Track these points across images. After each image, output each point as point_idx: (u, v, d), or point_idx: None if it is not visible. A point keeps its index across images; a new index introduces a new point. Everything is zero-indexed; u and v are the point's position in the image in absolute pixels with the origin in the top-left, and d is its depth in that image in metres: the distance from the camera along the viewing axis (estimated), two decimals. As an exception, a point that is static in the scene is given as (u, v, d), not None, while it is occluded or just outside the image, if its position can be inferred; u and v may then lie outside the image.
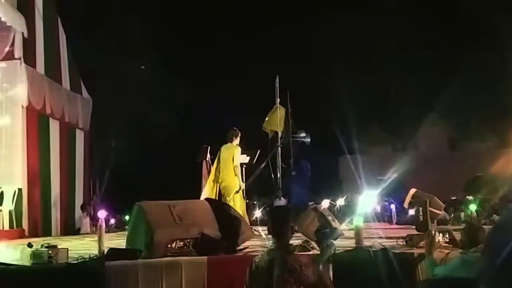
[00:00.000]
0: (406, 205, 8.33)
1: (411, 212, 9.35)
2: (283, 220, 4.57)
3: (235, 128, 11.00)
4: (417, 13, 21.02)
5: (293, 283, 4.20)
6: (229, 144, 10.78)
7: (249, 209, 14.79)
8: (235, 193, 10.71)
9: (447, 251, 5.72)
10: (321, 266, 4.58)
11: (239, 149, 10.75)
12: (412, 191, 8.02)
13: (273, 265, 4.30)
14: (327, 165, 22.17)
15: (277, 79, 21.05)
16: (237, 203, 10.38)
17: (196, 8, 21.30)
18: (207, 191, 10.70)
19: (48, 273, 5.86)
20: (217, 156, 10.95)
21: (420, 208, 7.07)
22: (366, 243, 6.46)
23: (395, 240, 7.06)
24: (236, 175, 10.69)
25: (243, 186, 10.92)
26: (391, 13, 20.85)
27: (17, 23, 12.13)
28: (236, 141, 10.83)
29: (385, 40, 20.82)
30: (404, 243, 6.73)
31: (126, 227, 15.13)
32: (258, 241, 7.74)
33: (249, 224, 9.04)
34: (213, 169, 11.01)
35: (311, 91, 21.62)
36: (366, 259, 5.75)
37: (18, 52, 12.53)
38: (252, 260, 4.60)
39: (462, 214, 15.28)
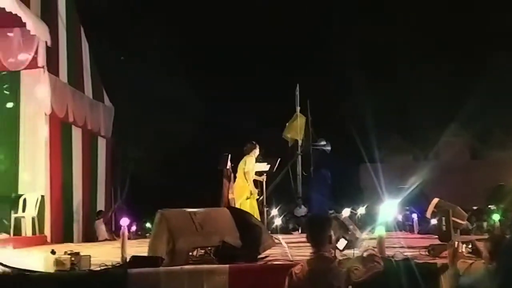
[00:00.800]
0: (428, 214, 8.26)
1: (433, 221, 9.26)
2: (322, 229, 4.58)
3: (253, 141, 11.13)
4: (438, 22, 20.92)
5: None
6: (247, 156, 11.01)
7: (269, 217, 14.76)
8: (245, 199, 10.76)
9: (470, 261, 5.67)
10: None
11: (251, 157, 10.88)
12: (435, 200, 7.96)
13: (315, 275, 4.30)
14: (347, 173, 22.09)
15: (298, 88, 21.09)
16: (247, 209, 10.41)
17: (217, 19, 21.40)
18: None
19: (71, 280, 5.91)
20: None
21: (443, 218, 7.02)
22: (388, 252, 6.42)
23: (418, 250, 7.01)
24: (246, 180, 10.82)
25: (255, 192, 10.98)
26: (412, 22, 20.78)
27: (40, 32, 12.27)
28: (254, 153, 10.97)
29: (407, 49, 20.74)
30: (427, 253, 6.68)
31: (147, 234, 15.23)
32: (279, 250, 7.73)
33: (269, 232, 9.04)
34: None
35: (332, 100, 21.60)
36: (388, 269, 5.71)
37: (42, 60, 12.67)
38: (291, 271, 4.61)
39: (485, 224, 15.11)
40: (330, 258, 4.48)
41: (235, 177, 11.37)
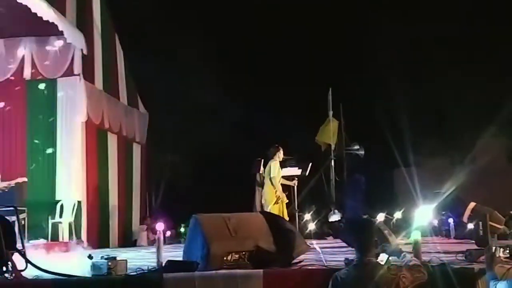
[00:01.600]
0: (465, 219, 8.17)
1: (470, 226, 9.14)
2: (369, 234, 4.58)
3: (276, 144, 11.15)
4: (475, 21, 20.60)
5: None
6: (271, 160, 11.02)
7: (302, 222, 14.75)
8: (274, 204, 10.77)
9: (508, 266, 5.58)
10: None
11: (275, 162, 10.90)
12: (472, 205, 7.86)
13: (363, 282, 4.30)
14: (382, 178, 21.89)
15: (330, 92, 21.00)
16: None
17: (251, 24, 21.46)
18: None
19: (107, 285, 6.00)
20: None
21: (480, 222, 6.93)
22: (424, 257, 6.35)
23: (454, 255, 6.92)
24: (273, 185, 10.85)
25: (283, 196, 10.98)
26: (450, 21, 20.50)
27: (76, 40, 12.51)
28: (278, 156, 10.98)
29: (443, 49, 20.48)
30: (464, 258, 6.59)
31: (182, 239, 15.37)
32: (313, 255, 7.71)
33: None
34: None
35: (365, 103, 21.44)
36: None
37: (78, 68, 12.90)
38: (336, 275, 4.60)
39: (523, 229, 14.79)
40: (378, 264, 4.47)
41: None
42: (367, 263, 4.46)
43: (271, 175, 10.90)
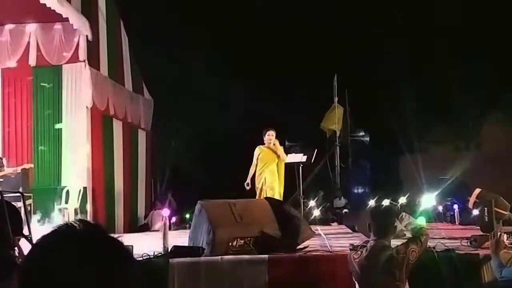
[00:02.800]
0: (470, 205, 8.16)
1: (475, 212, 9.13)
2: (389, 219, 4.69)
3: (268, 128, 10.95)
4: (483, 10, 20.45)
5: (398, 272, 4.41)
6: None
7: (306, 208, 14.77)
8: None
9: (513, 252, 5.58)
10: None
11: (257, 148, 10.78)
12: (477, 191, 7.85)
13: (373, 262, 4.44)
14: (387, 164, 21.87)
15: (335, 78, 20.95)
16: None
17: (255, 9, 21.38)
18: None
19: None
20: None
21: (485, 208, 6.93)
22: (430, 243, 6.37)
23: (459, 240, 6.95)
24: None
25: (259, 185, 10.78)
26: (454, 11, 20.37)
27: (81, 26, 12.48)
28: (265, 141, 10.79)
29: (450, 35, 20.36)
30: (469, 244, 6.61)
31: (187, 225, 15.42)
32: (318, 241, 7.74)
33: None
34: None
35: (370, 90, 21.37)
36: (430, 260, 5.67)
37: (83, 54, 12.88)
38: (350, 255, 4.71)
39: (529, 215, 14.77)
40: (388, 246, 4.57)
41: None
42: (379, 245, 4.54)
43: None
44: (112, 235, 1.48)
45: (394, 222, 4.77)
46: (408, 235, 7.02)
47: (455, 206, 12.96)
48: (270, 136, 10.75)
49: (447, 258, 5.80)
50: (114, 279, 1.35)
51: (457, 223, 12.31)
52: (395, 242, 4.78)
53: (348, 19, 21.61)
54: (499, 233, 5.34)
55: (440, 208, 13.96)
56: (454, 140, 22.75)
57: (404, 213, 7.40)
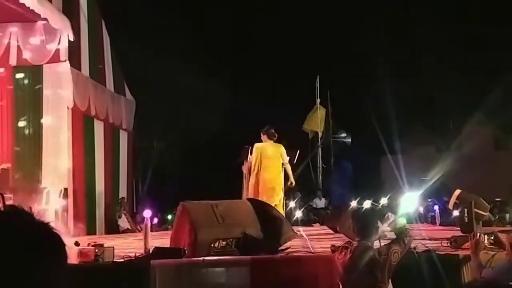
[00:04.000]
0: (451, 206, 8.23)
1: (456, 213, 9.22)
2: (370, 221, 4.70)
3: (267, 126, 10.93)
4: (463, 10, 20.66)
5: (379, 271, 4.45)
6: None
7: (287, 209, 14.80)
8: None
9: (492, 252, 5.65)
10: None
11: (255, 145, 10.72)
12: (457, 192, 7.92)
13: (356, 263, 4.45)
14: (368, 165, 22.01)
15: (317, 79, 21.03)
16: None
17: (239, 10, 21.38)
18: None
19: (95, 272, 6.00)
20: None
21: (465, 209, 6.99)
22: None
23: (439, 241, 7.00)
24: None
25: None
26: (435, 10, 20.54)
27: (62, 25, 12.38)
28: (263, 138, 10.75)
29: (430, 37, 20.53)
30: (449, 244, 6.66)
31: (169, 226, 15.37)
32: (300, 242, 7.76)
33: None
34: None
35: (352, 91, 21.51)
36: (411, 261, 5.71)
37: (64, 54, 12.76)
38: (334, 256, 4.72)
39: (507, 216, 14.97)
40: (371, 247, 4.58)
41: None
42: (362, 246, 4.56)
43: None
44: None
45: (376, 223, 4.79)
46: (390, 236, 7.08)
47: (436, 207, 13.06)
48: (265, 137, 10.74)
49: (427, 259, 5.84)
50: (34, 265, 1.34)
51: (437, 224, 12.40)
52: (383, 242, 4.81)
53: (330, 20, 21.71)
54: (478, 234, 5.39)
55: (421, 209, 14.05)
56: (435, 141, 22.95)
57: (390, 213, 7.44)
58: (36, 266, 1.36)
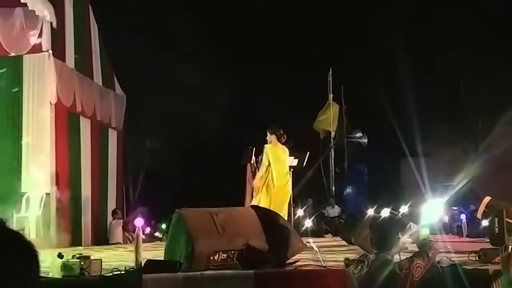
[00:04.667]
0: (479, 215, 8.22)
1: (485, 223, 9.20)
2: (390, 231, 4.70)
3: (275, 125, 10.91)
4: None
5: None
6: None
7: (296, 218, 14.79)
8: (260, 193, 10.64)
9: (527, 268, 5.62)
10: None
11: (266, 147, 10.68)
12: (486, 199, 7.90)
13: (373, 278, 4.45)
14: (387, 169, 21.99)
15: (330, 72, 21.03)
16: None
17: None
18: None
19: (80, 286, 6.00)
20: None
21: (496, 219, 6.98)
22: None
23: (467, 254, 6.98)
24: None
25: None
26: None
27: (45, 12, 12.43)
28: (270, 141, 10.72)
29: (455, 25, 20.48)
30: (477, 258, 6.65)
31: (163, 236, 15.40)
32: (310, 254, 7.75)
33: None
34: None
35: (369, 85, 21.46)
36: (434, 276, 5.70)
37: (46, 44, 12.82)
38: (349, 270, 4.73)
39: (544, 226, 14.87)
40: (390, 261, 4.58)
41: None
42: (381, 259, 4.56)
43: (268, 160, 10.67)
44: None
45: (397, 234, 4.78)
46: (412, 248, 7.06)
47: (462, 216, 13.05)
48: (275, 137, 10.74)
49: (453, 274, 5.83)
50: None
51: (464, 235, 12.39)
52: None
53: (344, 5, 21.68)
54: (510, 247, 5.37)
55: (446, 218, 14.04)
56: (461, 142, 22.91)
57: (412, 223, 7.43)
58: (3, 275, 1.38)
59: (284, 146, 10.80)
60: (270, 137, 10.69)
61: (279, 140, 10.70)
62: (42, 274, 5.67)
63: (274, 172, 10.55)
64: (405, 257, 4.77)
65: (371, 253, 6.79)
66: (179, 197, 16.94)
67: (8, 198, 12.32)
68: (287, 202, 10.73)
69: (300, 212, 14.69)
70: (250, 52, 21.39)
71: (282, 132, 10.76)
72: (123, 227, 15.27)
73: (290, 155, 11.32)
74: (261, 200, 10.42)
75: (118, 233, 15.13)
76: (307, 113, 20.94)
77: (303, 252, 7.45)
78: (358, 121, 21.98)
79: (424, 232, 6.18)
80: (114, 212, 15.74)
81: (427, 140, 20.85)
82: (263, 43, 21.46)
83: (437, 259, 6.35)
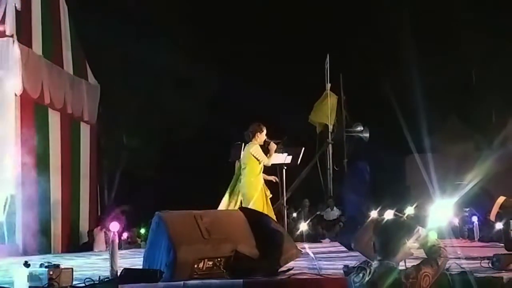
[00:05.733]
0: (492, 217, 8.26)
1: (498, 226, 9.25)
2: (395, 236, 4.72)
3: (258, 123, 10.94)
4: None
5: None
6: (249, 143, 10.76)
7: (291, 221, 14.84)
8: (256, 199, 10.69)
9: (545, 275, 5.67)
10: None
11: (254, 144, 10.69)
12: (500, 199, 7.94)
13: (377, 287, 4.48)
14: (390, 166, 22.05)
15: (328, 59, 21.04)
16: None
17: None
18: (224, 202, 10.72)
19: (48, 299, 6.00)
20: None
21: (510, 221, 7.01)
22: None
23: (479, 261, 7.03)
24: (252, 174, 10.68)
25: (265, 189, 10.85)
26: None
27: (8, -8, 12.41)
28: (259, 138, 10.76)
29: (466, 14, 20.56)
30: (490, 264, 6.69)
31: (142, 242, 15.39)
32: (305, 261, 7.77)
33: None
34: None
35: (370, 74, 21.52)
36: (442, 284, 5.72)
37: (10, 28, 12.77)
38: (350, 278, 4.75)
39: None
40: (395, 268, 4.60)
41: None
42: (384, 266, 4.58)
43: (258, 159, 10.73)
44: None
45: (402, 238, 4.80)
46: (418, 254, 7.09)
47: (474, 219, 13.10)
48: (263, 134, 10.76)
49: (463, 282, 5.85)
50: None
51: (476, 239, 12.45)
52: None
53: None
54: (527, 252, 5.41)
55: (456, 220, 14.10)
56: (473, 137, 22.99)
57: (420, 228, 7.45)
58: None
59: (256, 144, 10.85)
60: (259, 136, 10.72)
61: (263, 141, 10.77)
62: (5, 285, 5.69)
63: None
64: (412, 264, 4.79)
65: (373, 260, 6.82)
66: (159, 198, 16.95)
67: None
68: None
69: (295, 214, 14.72)
70: (237, 36, 21.37)
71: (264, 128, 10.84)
72: (105, 234, 15.25)
73: (283, 151, 11.34)
74: (255, 202, 10.48)
75: (100, 240, 15.10)
76: (302, 104, 20.94)
77: (297, 259, 7.46)
78: (358, 114, 22.00)
79: (432, 237, 6.21)
80: (97, 219, 15.77)
81: (435, 134, 20.93)
82: (253, 28, 21.45)
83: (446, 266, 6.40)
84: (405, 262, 4.99)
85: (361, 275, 4.70)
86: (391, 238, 4.75)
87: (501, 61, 20.46)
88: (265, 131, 10.70)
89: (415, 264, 4.79)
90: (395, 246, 4.72)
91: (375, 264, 4.72)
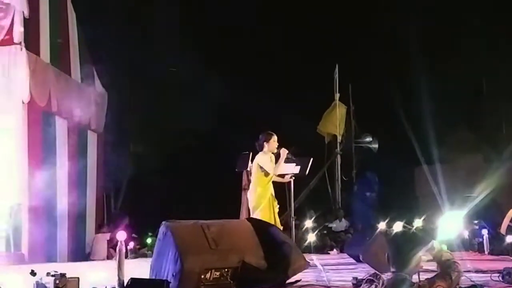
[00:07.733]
0: (503, 230, 8.25)
1: (509, 239, 9.22)
2: (408, 248, 4.72)
3: (268, 131, 10.92)
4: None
5: None
6: (259, 153, 10.75)
7: (300, 232, 14.81)
8: (262, 209, 10.68)
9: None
10: None
11: (265, 156, 10.66)
12: (511, 212, 7.93)
13: None
14: (399, 178, 21.98)
15: (336, 69, 21.05)
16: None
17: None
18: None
19: (55, 308, 6.00)
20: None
21: (522, 234, 6.99)
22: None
23: (489, 274, 7.00)
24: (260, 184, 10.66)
25: (273, 199, 10.83)
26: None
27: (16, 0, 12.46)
28: (270, 147, 10.74)
29: (476, 19, 20.52)
30: (501, 278, 6.66)
31: (148, 251, 15.38)
32: (313, 273, 7.76)
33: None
34: None
35: (380, 84, 21.48)
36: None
37: (18, 35, 12.82)
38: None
39: None
40: (408, 280, 4.59)
41: None
42: (397, 278, 4.57)
43: (265, 169, 10.73)
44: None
45: (416, 251, 4.78)
46: (428, 266, 7.07)
47: (484, 231, 13.04)
48: (274, 144, 10.75)
49: (473, 296, 5.84)
50: None
51: (486, 252, 12.40)
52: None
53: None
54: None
55: (466, 233, 14.05)
56: (483, 148, 22.91)
57: (434, 241, 7.44)
58: None
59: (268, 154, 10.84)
60: (268, 145, 10.71)
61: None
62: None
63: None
64: (425, 277, 4.77)
65: (381, 272, 6.81)
66: (166, 207, 16.94)
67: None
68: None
69: (306, 224, 14.71)
70: (246, 45, 21.37)
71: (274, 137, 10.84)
72: (108, 242, 15.25)
73: (292, 161, 11.33)
74: (262, 211, 10.46)
75: (102, 248, 15.12)
76: (311, 114, 20.94)
77: (305, 270, 7.45)
78: (367, 124, 21.98)
79: (445, 250, 6.20)
80: (98, 226, 15.75)
81: (444, 145, 20.86)
82: (262, 35, 21.45)
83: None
84: (418, 275, 4.97)
85: (373, 287, 4.70)
86: (405, 250, 4.75)
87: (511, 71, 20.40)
88: (275, 139, 10.68)
89: (429, 277, 4.77)
90: (409, 258, 4.72)
91: (387, 275, 4.71)
